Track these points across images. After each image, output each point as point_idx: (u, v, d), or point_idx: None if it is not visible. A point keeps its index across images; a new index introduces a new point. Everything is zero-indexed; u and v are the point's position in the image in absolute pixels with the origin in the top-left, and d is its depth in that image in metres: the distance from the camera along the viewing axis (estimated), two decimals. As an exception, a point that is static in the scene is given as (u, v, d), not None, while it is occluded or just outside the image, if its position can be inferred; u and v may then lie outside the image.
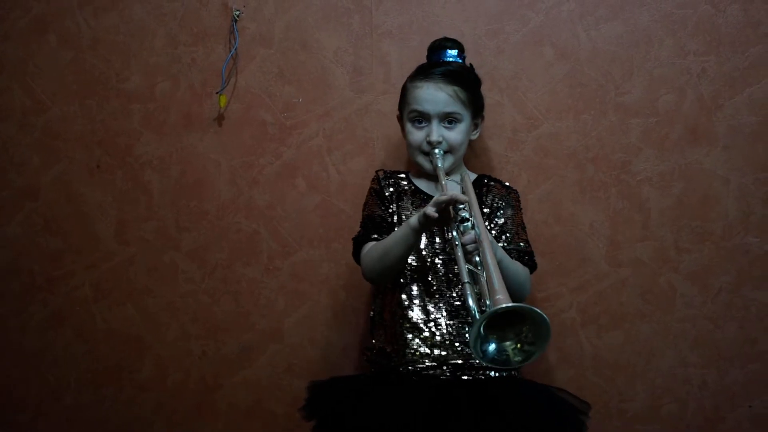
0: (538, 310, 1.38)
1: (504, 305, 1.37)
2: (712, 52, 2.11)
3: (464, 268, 1.55)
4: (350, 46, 2.17)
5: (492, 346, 1.43)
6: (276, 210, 2.20)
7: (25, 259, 2.25)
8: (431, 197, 1.83)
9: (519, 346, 1.43)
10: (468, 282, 1.52)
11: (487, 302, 1.45)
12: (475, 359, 1.71)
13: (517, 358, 1.43)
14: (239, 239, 2.21)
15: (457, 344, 1.75)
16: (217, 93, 2.18)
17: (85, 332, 2.25)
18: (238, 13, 2.17)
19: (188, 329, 2.23)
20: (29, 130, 2.24)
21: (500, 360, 1.43)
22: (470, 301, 1.47)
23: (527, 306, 1.40)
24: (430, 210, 1.60)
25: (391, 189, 1.88)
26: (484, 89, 2.13)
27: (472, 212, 1.61)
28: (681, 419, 2.15)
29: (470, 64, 1.93)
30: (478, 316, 1.44)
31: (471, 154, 2.15)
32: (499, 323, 1.42)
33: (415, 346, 1.76)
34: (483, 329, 1.41)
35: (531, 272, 1.83)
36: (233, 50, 2.18)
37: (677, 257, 2.13)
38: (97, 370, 2.25)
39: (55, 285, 2.25)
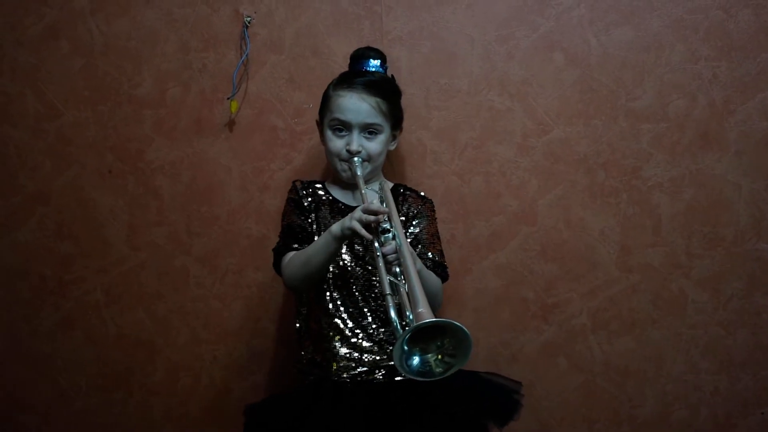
0: (460, 324, 1.39)
1: (428, 320, 1.39)
2: (723, 57, 2.10)
3: (385, 279, 1.56)
4: (361, 51, 2.18)
5: (416, 360, 1.44)
6: (286, 215, 2.21)
7: (37, 263, 2.26)
8: (347, 206, 1.86)
9: (440, 357, 1.45)
10: (389, 294, 1.53)
11: (408, 314, 1.46)
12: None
13: (438, 369, 1.45)
14: (250, 244, 2.22)
15: (386, 347, 1.77)
16: (228, 99, 2.19)
17: (96, 336, 2.26)
18: (249, 19, 2.18)
19: (199, 334, 2.23)
20: (42, 136, 2.25)
21: (424, 371, 1.44)
22: (392, 314, 1.49)
23: (448, 320, 1.40)
24: (357, 226, 1.61)
25: (309, 199, 1.89)
26: (495, 94, 2.15)
27: (392, 223, 1.62)
28: (692, 426, 2.14)
29: (392, 75, 1.93)
30: (400, 330, 1.46)
31: (479, 161, 2.15)
32: (421, 336, 1.43)
33: (345, 353, 1.77)
34: (406, 344, 1.42)
35: (442, 282, 1.83)
36: (244, 56, 2.19)
37: (688, 263, 2.13)
38: (108, 374, 2.26)
39: (66, 289, 2.26)
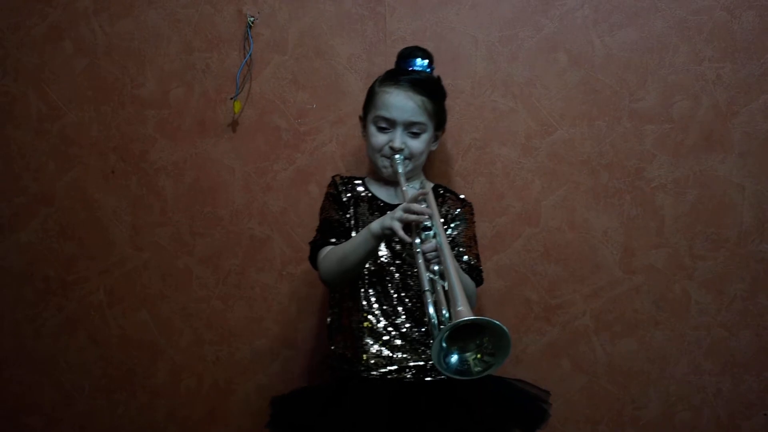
0: (499, 323, 1.39)
1: (467, 318, 1.39)
2: (727, 58, 2.10)
3: (425, 276, 1.56)
4: (364, 52, 2.18)
5: (454, 358, 1.45)
6: (290, 216, 2.21)
7: (40, 264, 2.26)
8: (387, 203, 1.86)
9: (479, 356, 1.45)
10: (428, 290, 1.53)
11: (444, 312, 1.47)
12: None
13: (477, 369, 1.45)
14: (253, 245, 2.22)
15: (417, 347, 1.76)
16: (231, 99, 2.19)
17: (99, 337, 2.26)
18: (252, 19, 2.18)
19: (202, 335, 2.23)
20: (45, 137, 2.25)
21: (462, 370, 1.45)
22: (430, 310, 1.49)
23: (489, 319, 1.41)
24: (397, 226, 1.61)
25: (349, 194, 1.88)
26: (498, 95, 2.15)
27: (433, 221, 1.62)
28: (695, 427, 2.14)
29: (438, 76, 1.93)
30: (438, 328, 1.45)
31: (483, 161, 2.15)
32: (459, 335, 1.43)
33: (375, 351, 1.76)
34: (445, 341, 1.42)
35: (477, 286, 1.82)
36: (247, 56, 2.19)
37: (692, 264, 2.13)
38: (111, 375, 2.26)
39: (69, 290, 2.26)
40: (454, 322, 1.39)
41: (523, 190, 2.16)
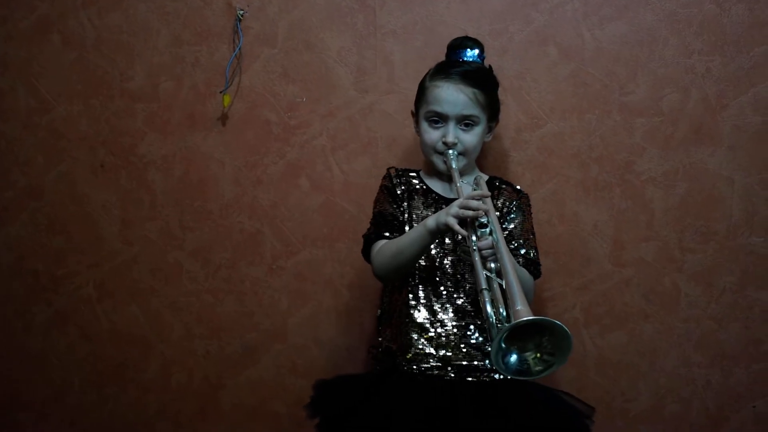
0: (560, 323, 1.37)
1: (527, 318, 1.37)
2: (717, 51, 2.10)
3: (482, 274, 1.54)
4: (354, 45, 2.17)
5: (513, 357, 1.43)
6: (280, 209, 2.20)
7: (29, 258, 2.26)
8: (442, 197, 1.83)
9: (539, 356, 1.43)
10: (485, 289, 1.51)
11: (502, 311, 1.45)
12: (481, 362, 1.72)
13: (538, 368, 1.43)
14: (243, 239, 2.21)
15: (462, 345, 1.74)
16: (220, 92, 2.18)
17: (89, 332, 2.25)
18: (242, 12, 2.17)
19: (192, 329, 2.23)
20: (33, 130, 2.24)
21: (522, 370, 1.43)
22: (489, 309, 1.47)
23: (549, 319, 1.39)
24: (453, 222, 1.59)
25: (403, 187, 1.86)
26: (489, 89, 2.14)
27: (489, 218, 1.60)
28: (684, 419, 2.15)
29: (489, 66, 1.89)
30: (496, 327, 1.43)
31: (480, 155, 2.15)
32: (518, 334, 1.41)
33: (420, 346, 1.75)
34: (503, 341, 1.40)
35: (534, 280, 1.81)
36: (237, 50, 2.18)
37: (681, 257, 2.13)
38: (101, 370, 2.25)
39: (59, 284, 2.25)
40: (514, 322, 1.37)
41: (513, 182, 2.15)
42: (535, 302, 2.14)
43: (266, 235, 2.21)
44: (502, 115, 2.13)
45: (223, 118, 2.21)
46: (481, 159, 2.15)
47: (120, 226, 2.24)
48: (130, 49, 2.22)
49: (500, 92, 2.12)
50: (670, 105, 2.12)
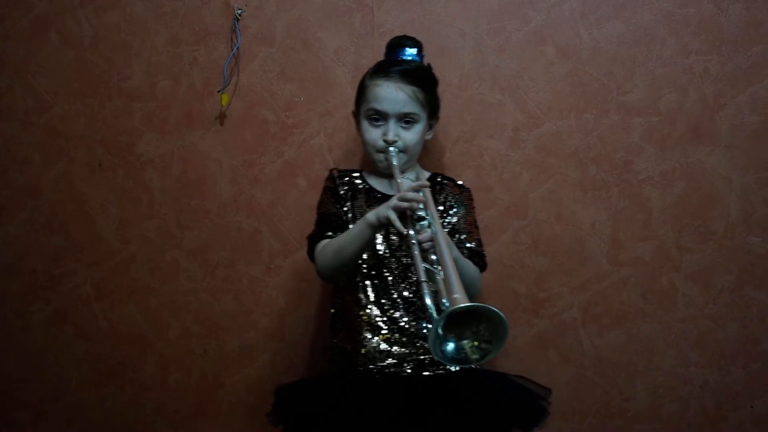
0: (496, 309, 1.38)
1: (462, 305, 1.38)
2: (714, 51, 2.10)
3: (421, 266, 1.55)
4: (352, 45, 2.17)
5: (450, 346, 1.44)
6: (277, 209, 2.20)
7: (27, 257, 2.26)
8: (385, 195, 1.84)
9: (476, 344, 1.44)
10: (425, 281, 1.52)
11: (444, 301, 1.46)
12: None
13: (474, 356, 1.44)
14: (240, 238, 2.21)
15: (416, 341, 1.76)
16: (218, 92, 2.18)
17: (87, 331, 2.25)
18: (239, 11, 2.17)
19: (190, 328, 2.23)
20: (31, 129, 2.24)
21: (459, 358, 1.44)
22: (428, 300, 1.48)
23: (485, 305, 1.40)
24: (392, 215, 1.60)
25: (346, 188, 1.87)
26: (486, 88, 2.15)
27: (428, 211, 1.62)
28: (682, 419, 2.15)
29: (428, 64, 1.91)
30: (436, 316, 1.44)
31: (470, 154, 2.15)
32: (456, 322, 1.42)
33: (374, 344, 1.75)
34: (441, 329, 1.41)
35: (481, 272, 1.82)
36: (235, 49, 2.18)
37: (679, 257, 2.13)
38: (99, 369, 2.25)
39: (57, 283, 2.25)
40: (450, 309, 1.38)
41: (510, 182, 2.16)
42: (531, 301, 2.16)
43: (264, 234, 2.21)
44: (499, 115, 2.15)
45: (221, 117, 2.21)
46: (475, 158, 2.15)
47: (118, 225, 2.24)
48: (128, 49, 2.22)
49: (497, 92, 2.15)
50: (667, 105, 2.12)
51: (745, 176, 2.11)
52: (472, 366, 1.72)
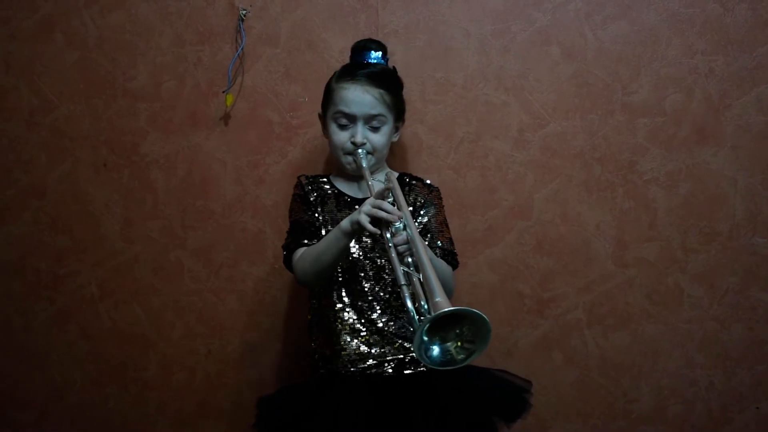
0: (479, 312, 1.38)
1: (445, 309, 1.38)
2: (720, 51, 2.10)
3: (399, 270, 1.55)
4: (356, 45, 2.17)
5: (436, 350, 1.44)
6: (282, 209, 2.19)
7: (32, 257, 2.26)
8: (354, 198, 1.86)
9: (460, 344, 1.44)
10: (404, 284, 1.53)
11: (423, 304, 1.46)
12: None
13: (461, 356, 1.44)
14: (245, 238, 2.21)
15: (395, 341, 1.76)
16: (223, 92, 2.18)
17: (91, 331, 2.25)
18: (244, 12, 2.18)
19: (194, 328, 2.23)
20: (36, 129, 2.24)
21: (446, 360, 1.44)
22: (409, 304, 1.49)
23: (468, 308, 1.39)
24: (365, 221, 1.60)
25: (315, 194, 1.88)
26: (491, 89, 2.15)
27: (402, 212, 1.62)
28: (687, 420, 2.14)
29: (393, 67, 1.92)
30: (417, 321, 1.45)
31: (475, 155, 2.15)
32: (440, 326, 1.42)
33: (353, 347, 1.76)
34: (425, 334, 1.41)
35: (453, 270, 1.82)
36: (240, 49, 2.18)
37: (684, 258, 2.13)
38: (102, 368, 2.25)
39: (60, 283, 2.25)
40: (434, 314, 1.38)
41: (515, 183, 2.15)
42: (535, 302, 2.16)
43: (268, 234, 2.21)
44: (504, 115, 2.15)
45: (226, 118, 2.21)
46: (480, 158, 2.15)
47: (122, 225, 2.24)
48: (133, 49, 2.22)
49: (502, 92, 2.14)
50: (673, 105, 2.12)
51: (750, 177, 2.11)
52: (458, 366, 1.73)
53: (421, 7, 2.16)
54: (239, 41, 2.19)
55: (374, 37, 2.12)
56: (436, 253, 1.78)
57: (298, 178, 1.93)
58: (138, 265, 2.24)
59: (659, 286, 2.13)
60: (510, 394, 1.80)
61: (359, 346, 1.76)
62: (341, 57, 2.17)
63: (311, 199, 1.87)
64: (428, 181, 1.93)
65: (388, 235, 1.60)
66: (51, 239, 2.25)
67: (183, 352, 2.23)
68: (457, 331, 1.44)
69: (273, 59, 2.19)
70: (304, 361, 2.19)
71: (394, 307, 1.78)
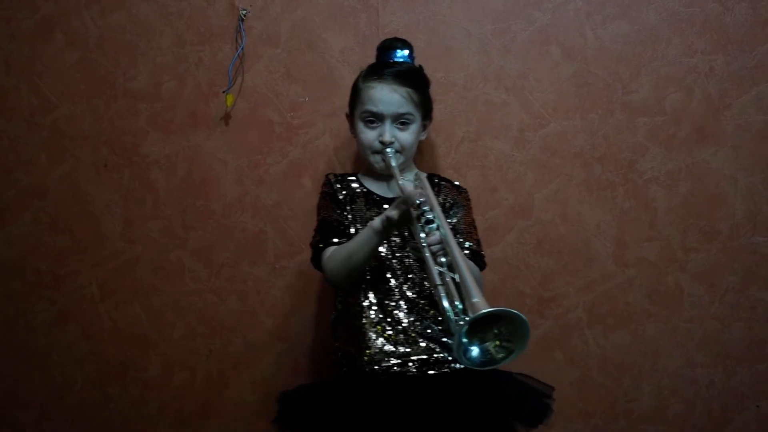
0: (518, 312, 1.37)
1: (485, 310, 1.37)
2: (719, 50, 2.10)
3: (434, 270, 1.55)
4: (357, 45, 2.17)
5: (476, 351, 1.43)
6: (282, 209, 2.20)
7: (32, 257, 2.25)
8: (382, 197, 1.85)
9: (499, 343, 1.43)
10: (440, 284, 1.52)
11: (458, 304, 1.46)
12: (440, 354, 1.74)
13: (500, 355, 1.43)
14: (245, 238, 2.21)
15: (420, 340, 1.75)
16: (223, 92, 2.18)
17: (91, 331, 2.25)
18: (244, 12, 2.18)
19: (194, 328, 2.23)
20: (37, 130, 2.24)
21: (486, 360, 1.43)
22: (446, 304, 1.49)
23: (508, 309, 1.38)
24: (394, 213, 1.60)
25: (344, 192, 1.87)
26: (491, 88, 2.15)
27: (435, 213, 1.61)
28: (687, 420, 2.14)
29: (419, 65, 1.92)
30: (454, 322, 1.44)
31: (475, 154, 2.15)
32: (478, 326, 1.41)
33: (378, 345, 1.75)
34: (465, 336, 1.41)
35: (480, 271, 1.82)
36: (240, 49, 2.18)
37: (684, 257, 2.13)
38: (103, 369, 2.25)
39: (61, 283, 2.25)
40: (475, 315, 1.36)
41: (515, 183, 2.16)
42: (536, 302, 2.16)
43: (269, 234, 2.21)
44: (504, 115, 2.15)
45: (226, 118, 2.21)
46: (480, 158, 2.15)
47: (123, 226, 2.24)
48: (133, 49, 2.22)
49: (502, 92, 2.15)
50: (673, 104, 2.12)
51: (750, 176, 2.11)
52: (496, 366, 1.72)
53: (422, 7, 2.16)
54: (239, 41, 2.19)
55: (374, 38, 2.13)
56: (465, 254, 1.75)
57: (327, 176, 1.92)
58: (138, 266, 2.24)
59: (659, 285, 2.14)
60: (532, 399, 1.78)
61: (384, 345, 1.75)
62: (341, 57, 2.18)
63: (340, 197, 1.86)
64: (457, 183, 1.93)
65: (423, 235, 1.60)
66: (51, 239, 2.25)
67: (184, 352, 2.23)
68: (495, 330, 1.42)
69: (273, 59, 2.19)
70: (304, 360, 2.20)
71: (420, 306, 1.77)
